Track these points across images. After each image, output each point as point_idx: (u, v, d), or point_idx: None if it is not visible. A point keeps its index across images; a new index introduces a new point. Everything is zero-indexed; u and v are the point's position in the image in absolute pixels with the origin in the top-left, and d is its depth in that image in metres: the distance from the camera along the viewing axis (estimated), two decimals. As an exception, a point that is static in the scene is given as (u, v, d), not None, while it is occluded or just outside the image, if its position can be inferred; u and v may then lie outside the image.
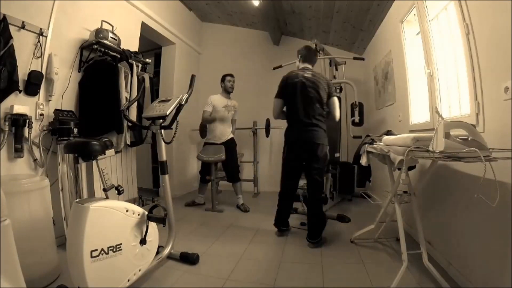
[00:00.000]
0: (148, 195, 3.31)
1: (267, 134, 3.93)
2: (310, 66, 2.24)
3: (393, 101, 2.80)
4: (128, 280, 1.36)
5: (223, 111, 3.21)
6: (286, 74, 2.25)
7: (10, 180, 1.51)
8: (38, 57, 1.89)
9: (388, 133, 2.00)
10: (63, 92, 2.11)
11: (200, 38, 4.53)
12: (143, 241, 1.45)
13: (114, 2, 2.62)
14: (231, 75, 3.35)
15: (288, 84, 2.16)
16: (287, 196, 2.28)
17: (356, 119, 2.98)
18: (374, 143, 1.79)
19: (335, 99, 2.18)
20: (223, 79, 3.34)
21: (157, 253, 1.64)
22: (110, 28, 2.35)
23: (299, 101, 2.11)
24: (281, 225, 2.32)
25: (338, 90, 3.25)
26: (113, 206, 1.33)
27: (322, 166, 2.15)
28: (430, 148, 1.11)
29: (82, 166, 1.94)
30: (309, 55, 2.28)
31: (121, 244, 1.31)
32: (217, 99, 3.27)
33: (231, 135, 3.30)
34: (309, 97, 2.10)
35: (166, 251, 1.78)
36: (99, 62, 2.30)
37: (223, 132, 3.22)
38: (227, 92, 3.31)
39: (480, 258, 1.34)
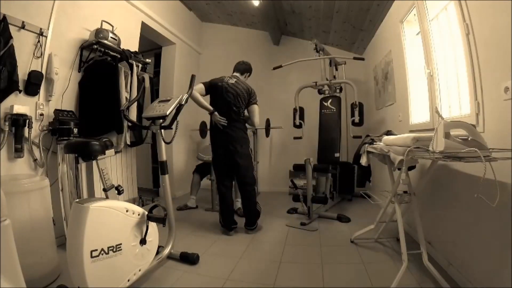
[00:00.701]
0: (148, 195, 3.31)
1: (267, 134, 3.93)
2: (238, 75, 2.49)
3: (393, 101, 2.80)
4: (128, 280, 1.36)
5: None
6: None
7: (10, 180, 1.51)
8: (38, 57, 1.90)
9: (388, 133, 2.00)
10: (63, 92, 2.11)
11: (200, 38, 4.54)
12: (143, 241, 1.45)
13: (114, 2, 2.62)
14: None
15: (212, 85, 2.40)
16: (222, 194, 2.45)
17: (356, 119, 2.98)
18: (374, 143, 1.79)
19: (254, 107, 2.39)
20: None
21: (157, 253, 1.64)
22: (110, 28, 2.35)
23: (220, 103, 2.35)
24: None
25: (338, 90, 3.26)
26: (113, 206, 1.33)
27: (245, 163, 2.36)
28: (430, 148, 1.11)
29: (82, 166, 1.94)
30: (236, 66, 2.55)
31: (121, 244, 1.31)
32: None
33: None
34: (227, 101, 2.33)
35: (166, 251, 1.78)
36: (99, 62, 2.30)
37: None
38: None
39: (480, 258, 1.34)
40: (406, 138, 1.25)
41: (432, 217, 1.83)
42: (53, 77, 1.96)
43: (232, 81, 2.38)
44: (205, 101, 2.38)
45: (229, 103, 2.33)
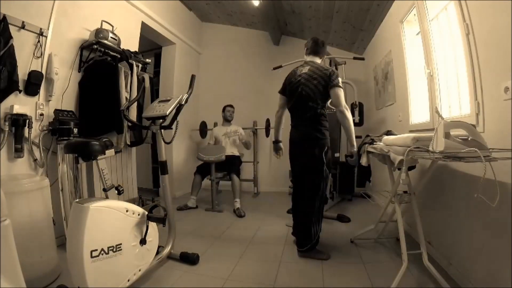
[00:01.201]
0: (148, 195, 3.31)
1: (267, 134, 3.92)
2: (315, 59, 2.03)
3: (393, 101, 2.79)
4: (128, 280, 1.36)
5: (223, 139, 3.50)
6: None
7: (10, 180, 1.51)
8: (38, 57, 1.90)
9: (388, 133, 2.00)
10: (63, 92, 2.11)
11: (200, 38, 4.54)
12: (143, 241, 1.45)
13: (114, 2, 2.62)
14: (231, 106, 3.70)
15: (286, 83, 2.07)
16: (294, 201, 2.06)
17: (356, 119, 2.98)
18: (374, 143, 1.79)
19: (335, 90, 1.86)
20: (223, 110, 3.67)
21: (157, 253, 1.64)
22: (110, 28, 2.35)
23: (294, 100, 1.98)
24: None
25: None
26: (113, 206, 1.33)
27: (313, 165, 1.89)
28: (430, 148, 1.11)
29: (82, 166, 1.94)
30: (313, 47, 2.06)
31: (121, 244, 1.31)
32: (217, 130, 3.67)
33: (234, 154, 3.45)
34: (302, 95, 1.92)
35: (166, 251, 1.78)
36: (99, 62, 2.30)
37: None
38: (227, 120, 3.66)
39: (480, 258, 1.34)
40: (406, 138, 1.25)
41: (432, 217, 1.83)
42: (53, 77, 1.95)
43: (306, 69, 1.96)
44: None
45: (304, 97, 1.91)
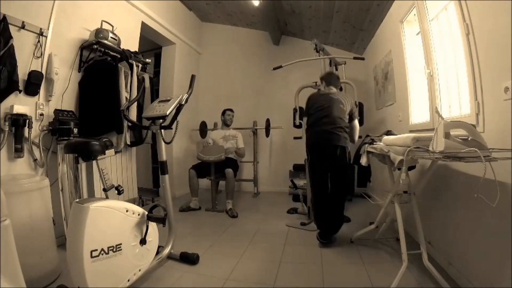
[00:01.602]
0: (148, 195, 3.31)
1: (267, 134, 3.93)
2: (334, 89, 2.38)
3: (393, 101, 2.79)
4: (128, 280, 1.36)
5: (221, 142, 3.43)
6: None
7: (10, 180, 1.51)
8: (38, 57, 1.90)
9: (388, 133, 2.00)
10: (63, 92, 2.11)
11: (200, 38, 4.54)
12: (143, 241, 1.45)
13: (114, 2, 2.62)
14: (231, 110, 3.65)
15: (310, 103, 2.36)
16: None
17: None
18: (374, 143, 1.79)
19: (356, 123, 2.34)
20: (223, 113, 3.62)
21: (157, 253, 1.64)
22: (110, 28, 2.36)
23: (325, 111, 2.24)
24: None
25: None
26: (113, 206, 1.32)
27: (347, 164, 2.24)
28: (430, 148, 1.11)
29: (82, 166, 1.94)
30: (329, 79, 2.44)
31: (121, 244, 1.31)
32: (215, 133, 3.62)
33: (230, 157, 3.32)
34: (333, 110, 2.22)
35: (166, 251, 1.78)
36: (99, 62, 2.31)
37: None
38: (226, 124, 3.62)
39: (480, 258, 1.34)
40: (406, 138, 1.25)
41: (432, 217, 1.83)
42: (53, 77, 1.96)
43: (332, 91, 2.36)
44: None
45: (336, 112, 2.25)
